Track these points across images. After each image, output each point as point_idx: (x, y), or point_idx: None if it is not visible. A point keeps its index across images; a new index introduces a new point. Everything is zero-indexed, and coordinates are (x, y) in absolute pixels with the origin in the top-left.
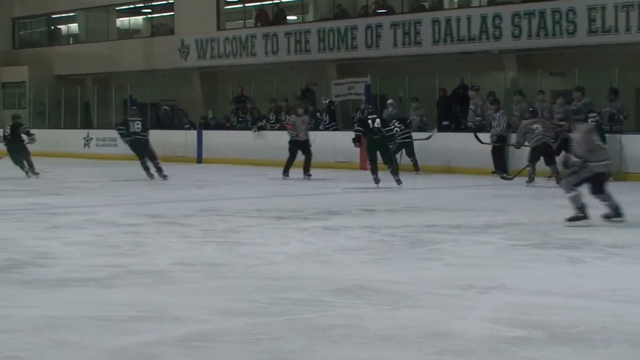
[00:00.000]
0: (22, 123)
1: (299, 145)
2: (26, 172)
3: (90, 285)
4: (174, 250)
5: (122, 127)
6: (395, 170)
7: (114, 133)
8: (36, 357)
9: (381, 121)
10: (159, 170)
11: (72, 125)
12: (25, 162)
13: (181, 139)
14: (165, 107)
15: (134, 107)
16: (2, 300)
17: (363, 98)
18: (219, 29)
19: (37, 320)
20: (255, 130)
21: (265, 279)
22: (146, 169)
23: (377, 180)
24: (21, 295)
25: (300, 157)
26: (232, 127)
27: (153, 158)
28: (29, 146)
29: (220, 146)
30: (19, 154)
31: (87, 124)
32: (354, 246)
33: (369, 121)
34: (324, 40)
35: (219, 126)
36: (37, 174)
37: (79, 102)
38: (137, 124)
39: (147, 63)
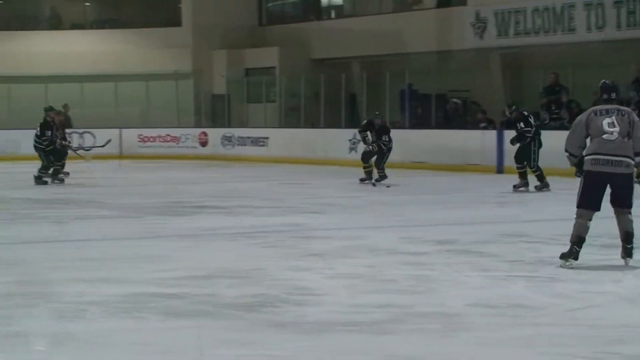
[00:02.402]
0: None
1: None
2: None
3: (361, 330)
4: (470, 288)
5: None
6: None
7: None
8: None
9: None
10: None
11: (334, 124)
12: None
13: (475, 141)
14: (454, 100)
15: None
16: (253, 346)
17: None
18: None
19: None
20: None
21: (589, 327)
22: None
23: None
24: (276, 342)
25: None
26: (543, 126)
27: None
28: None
29: None
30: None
31: (353, 122)
32: None
33: (531, 119)
34: None
35: None
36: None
37: (342, 94)
38: None
39: (430, 43)
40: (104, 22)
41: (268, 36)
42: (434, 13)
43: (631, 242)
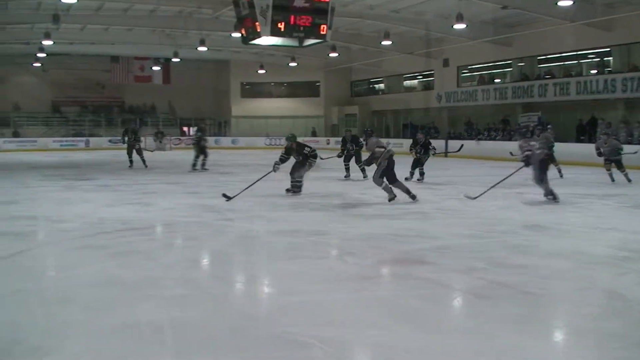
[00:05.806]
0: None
1: None
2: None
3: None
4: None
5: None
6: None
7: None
8: None
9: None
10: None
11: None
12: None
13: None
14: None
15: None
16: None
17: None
18: (458, 86)
19: None
20: None
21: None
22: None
23: None
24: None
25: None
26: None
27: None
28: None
29: None
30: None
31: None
32: None
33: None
34: None
35: None
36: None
37: (383, 126)
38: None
39: (419, 104)
40: (282, 94)
41: (354, 101)
42: (421, 92)
43: None
